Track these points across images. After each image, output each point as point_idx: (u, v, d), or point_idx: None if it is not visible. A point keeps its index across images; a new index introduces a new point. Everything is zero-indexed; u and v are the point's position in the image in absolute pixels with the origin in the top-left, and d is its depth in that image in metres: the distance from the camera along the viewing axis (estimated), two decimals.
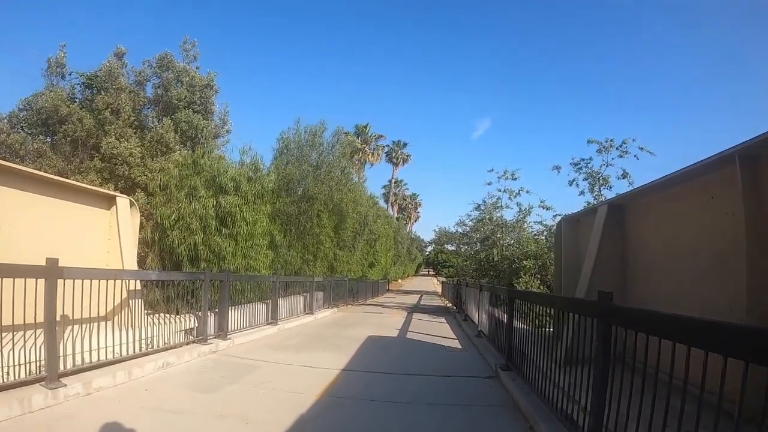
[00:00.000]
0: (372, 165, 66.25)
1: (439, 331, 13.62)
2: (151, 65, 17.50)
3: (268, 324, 11.85)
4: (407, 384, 6.92)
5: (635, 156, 19.07)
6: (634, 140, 19.16)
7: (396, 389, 6.54)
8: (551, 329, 6.17)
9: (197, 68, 18.41)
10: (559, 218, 15.35)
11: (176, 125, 16.41)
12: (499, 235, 22.99)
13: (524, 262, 19.81)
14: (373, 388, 6.55)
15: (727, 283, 5.60)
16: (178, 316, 8.29)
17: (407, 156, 75.80)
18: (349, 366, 7.85)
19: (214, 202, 13.52)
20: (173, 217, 13.09)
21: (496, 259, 21.64)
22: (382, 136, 68.44)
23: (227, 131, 19.58)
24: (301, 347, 9.54)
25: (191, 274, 10.55)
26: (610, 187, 19.07)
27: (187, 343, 8.08)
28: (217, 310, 9.34)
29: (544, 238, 21.81)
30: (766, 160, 5.27)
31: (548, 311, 6.37)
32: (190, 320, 8.57)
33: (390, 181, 78.04)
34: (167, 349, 7.40)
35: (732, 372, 2.31)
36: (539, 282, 19.35)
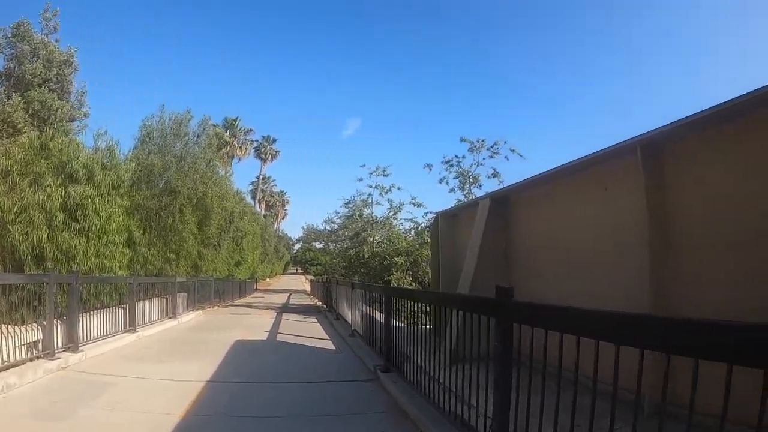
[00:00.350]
0: (240, 160, 64.01)
1: (311, 332, 13.17)
2: (6, 35, 15.68)
3: (126, 331, 10.66)
4: (281, 394, 6.38)
5: (505, 157, 20.01)
6: (505, 142, 20.13)
7: (269, 401, 5.97)
8: (430, 326, 5.92)
9: (57, 41, 16.81)
10: (430, 215, 15.55)
11: (27, 104, 14.73)
12: (369, 232, 23.05)
13: (395, 258, 19.88)
14: (244, 400, 5.93)
15: (627, 276, 5.61)
16: (23, 327, 6.98)
17: (276, 152, 74.10)
18: (217, 376, 7.15)
19: (63, 192, 12.13)
20: (15, 209, 11.55)
21: (366, 256, 21.58)
22: (251, 130, 66.17)
23: (84, 114, 17.84)
24: (163, 357, 8.68)
25: (31, 276, 9.22)
26: (480, 186, 19.83)
27: (32, 359, 6.90)
28: (65, 317, 8.17)
29: (413, 234, 22.21)
30: (669, 152, 5.33)
31: (428, 309, 6.12)
32: (36, 331, 7.28)
33: (258, 177, 75.75)
34: (7, 368, 6.20)
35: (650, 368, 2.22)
36: (411, 278, 19.53)
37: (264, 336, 12.23)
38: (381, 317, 7.79)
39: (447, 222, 11.10)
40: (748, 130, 4.67)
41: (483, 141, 20.21)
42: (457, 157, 20.63)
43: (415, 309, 6.31)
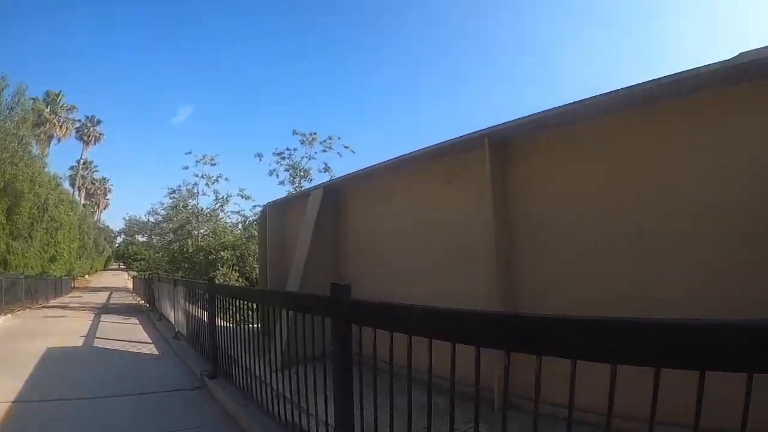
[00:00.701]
0: (60, 140, 58.28)
1: (132, 335, 11.99)
2: None
3: None
4: (98, 411, 5.45)
5: (338, 153, 20.20)
6: (339, 138, 20.34)
7: (84, 422, 5.07)
8: (258, 325, 5.37)
9: None
10: (259, 208, 15.07)
11: None
12: (194, 225, 22.11)
13: (222, 253, 19.10)
14: (54, 423, 4.94)
15: (473, 273, 5.49)
16: None
17: (100, 134, 68.20)
18: (24, 395, 5.99)
19: None
20: None
21: (190, 250, 20.66)
22: (74, 107, 60.08)
23: None
24: None
25: None
26: (311, 180, 19.86)
27: None
28: None
29: (241, 228, 21.63)
30: (517, 147, 5.35)
31: (257, 307, 5.64)
32: None
33: (79, 162, 69.15)
34: None
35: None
36: (238, 274, 18.94)
37: (80, 342, 10.93)
38: (205, 317, 7.16)
39: (276, 213, 10.51)
40: (587, 132, 4.85)
41: (315, 134, 20.24)
42: (288, 149, 20.47)
43: (243, 308, 5.64)
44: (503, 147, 5.46)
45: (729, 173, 4.01)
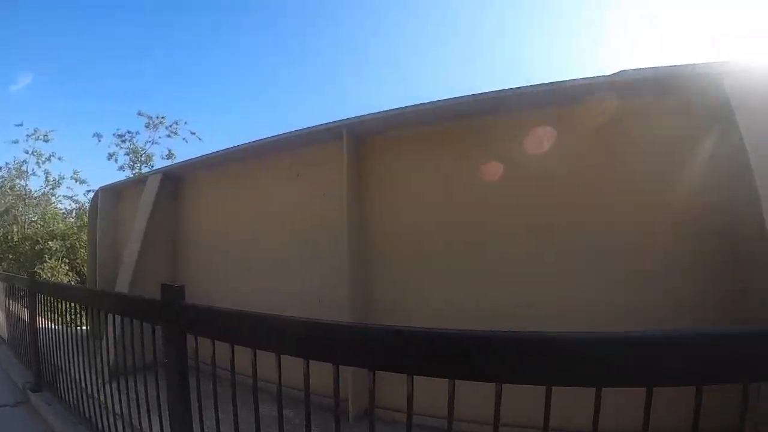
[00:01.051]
0: None
1: None
2: None
3: None
4: None
5: (184, 139, 19.19)
6: (186, 123, 19.25)
7: None
8: (87, 328, 4.58)
9: None
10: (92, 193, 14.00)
11: None
12: (21, 209, 20.05)
13: (50, 243, 17.12)
14: None
15: (323, 274, 5.22)
16: None
17: None
18: None
19: None
20: None
21: (15, 238, 18.64)
22: None
23: None
24: None
25: None
26: (152, 166, 18.71)
27: None
28: None
29: (74, 216, 19.99)
30: (374, 143, 5.14)
31: (84, 309, 4.65)
32: None
33: None
34: None
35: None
36: (68, 267, 17.41)
37: None
38: (27, 318, 6.24)
39: (110, 200, 9.38)
40: (446, 134, 4.78)
41: (163, 118, 19.08)
42: (130, 132, 19.15)
43: (71, 308, 4.83)
44: (360, 143, 5.20)
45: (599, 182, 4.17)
